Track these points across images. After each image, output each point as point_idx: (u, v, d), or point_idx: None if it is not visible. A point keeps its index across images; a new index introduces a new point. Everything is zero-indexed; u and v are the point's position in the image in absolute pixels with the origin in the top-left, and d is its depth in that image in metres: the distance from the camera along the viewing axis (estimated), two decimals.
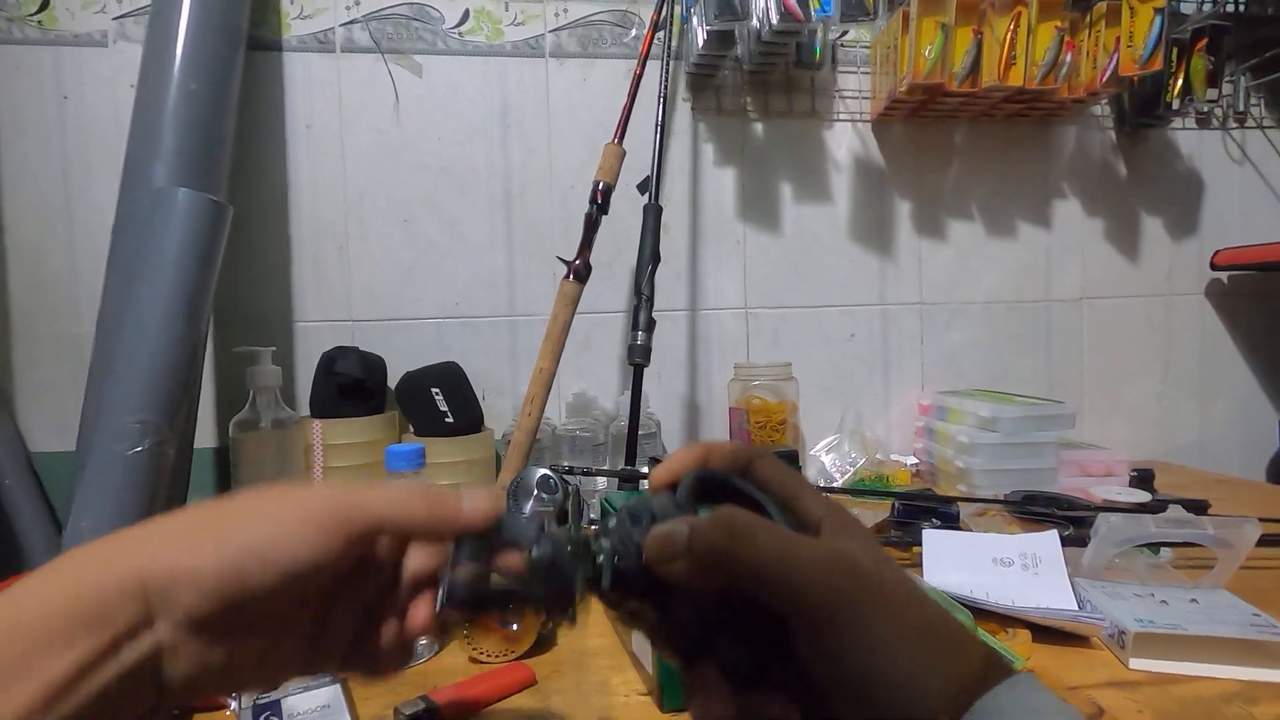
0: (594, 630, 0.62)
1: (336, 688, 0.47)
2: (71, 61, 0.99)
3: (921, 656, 0.26)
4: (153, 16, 0.88)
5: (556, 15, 1.11)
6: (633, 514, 0.29)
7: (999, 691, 0.26)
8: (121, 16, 1.00)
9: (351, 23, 1.06)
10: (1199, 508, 0.84)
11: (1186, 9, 1.24)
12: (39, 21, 0.98)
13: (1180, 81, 1.17)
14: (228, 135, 0.91)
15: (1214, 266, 1.28)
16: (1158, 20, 1.01)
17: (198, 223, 0.79)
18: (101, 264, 0.87)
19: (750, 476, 0.31)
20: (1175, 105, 1.18)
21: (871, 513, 0.85)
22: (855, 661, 0.26)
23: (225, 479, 1.00)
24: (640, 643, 0.54)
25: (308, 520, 0.27)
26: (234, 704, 0.46)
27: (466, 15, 1.09)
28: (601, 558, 0.28)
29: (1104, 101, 1.24)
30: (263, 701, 0.45)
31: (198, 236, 0.79)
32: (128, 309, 0.76)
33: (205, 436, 1.01)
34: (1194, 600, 0.58)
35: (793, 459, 0.93)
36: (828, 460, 1.09)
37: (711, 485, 0.30)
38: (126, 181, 0.86)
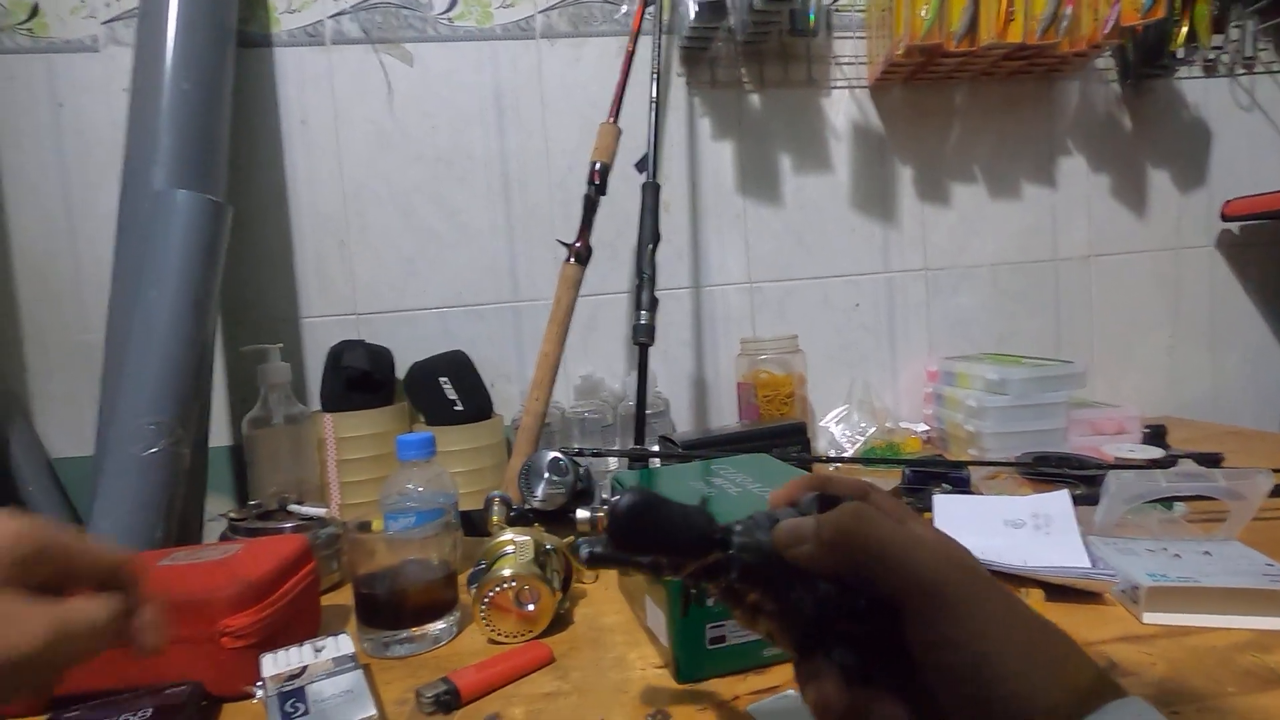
0: (609, 608, 0.63)
1: (359, 673, 0.48)
2: (64, 68, 0.99)
3: (1033, 656, 0.27)
4: (141, 18, 0.88)
5: None
6: (757, 520, 0.32)
7: (1109, 709, 0.26)
8: (111, 20, 1.00)
9: (340, 14, 1.06)
10: (1212, 461, 0.84)
11: None
12: (29, 30, 0.98)
13: (1185, 29, 1.14)
14: (223, 134, 0.91)
15: (1224, 217, 1.25)
16: None
17: (199, 224, 0.79)
18: (107, 270, 0.88)
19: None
20: (1180, 54, 1.15)
21: (883, 481, 0.86)
22: (969, 650, 0.27)
23: (242, 476, 1.02)
24: (655, 616, 0.54)
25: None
26: (259, 691, 0.47)
27: (455, 0, 1.08)
28: (731, 551, 0.31)
29: (1107, 54, 1.21)
30: (288, 689, 0.46)
31: (199, 237, 0.79)
32: (135, 313, 0.77)
33: (220, 435, 1.02)
34: (1207, 553, 0.58)
35: (801, 431, 0.93)
36: (837, 431, 1.09)
37: (830, 506, 0.32)
38: (126, 186, 0.86)
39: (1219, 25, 1.16)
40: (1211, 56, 1.23)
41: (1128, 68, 1.22)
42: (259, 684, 0.47)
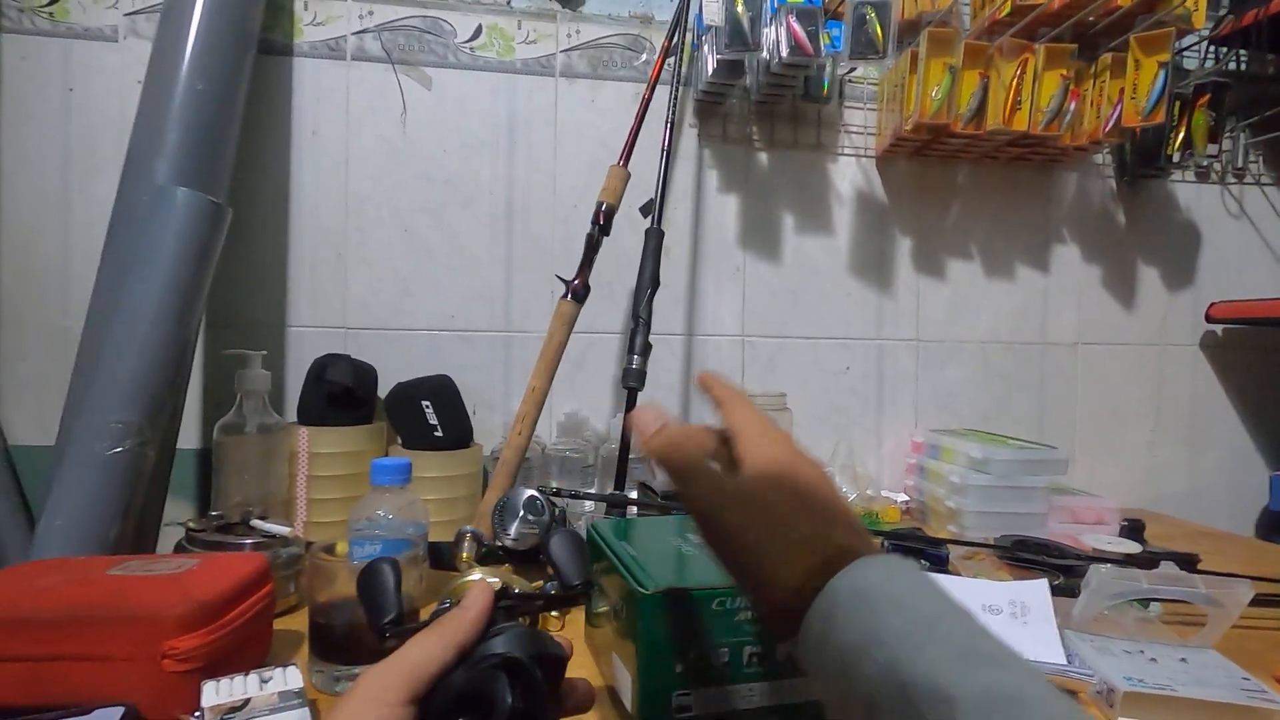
0: (574, 660, 0.61)
1: (305, 711, 0.45)
2: (80, 54, 0.99)
3: (780, 542, 0.36)
4: (164, 14, 0.88)
5: (569, 35, 1.12)
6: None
7: (845, 573, 0.34)
8: (134, 13, 1.00)
9: (364, 32, 1.07)
10: (1189, 561, 0.84)
11: (1189, 64, 1.25)
12: (50, 14, 0.98)
13: (1181, 135, 1.18)
14: (232, 137, 0.90)
15: (1209, 319, 1.28)
16: (1161, 74, 1.02)
17: (196, 223, 0.78)
18: (95, 259, 0.86)
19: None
20: (1176, 158, 1.19)
21: None
22: (736, 542, 0.38)
23: (207, 482, 0.98)
24: (621, 677, 0.52)
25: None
26: None
27: (479, 30, 1.10)
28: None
29: (1106, 150, 1.25)
30: None
31: (195, 237, 0.78)
32: (119, 306, 0.75)
33: (189, 438, 0.99)
34: (1183, 660, 0.57)
35: None
36: None
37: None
38: (127, 177, 0.85)
39: (1214, 135, 1.20)
40: (1205, 164, 1.28)
41: (1125, 166, 1.26)
42: (197, 713, 0.45)
